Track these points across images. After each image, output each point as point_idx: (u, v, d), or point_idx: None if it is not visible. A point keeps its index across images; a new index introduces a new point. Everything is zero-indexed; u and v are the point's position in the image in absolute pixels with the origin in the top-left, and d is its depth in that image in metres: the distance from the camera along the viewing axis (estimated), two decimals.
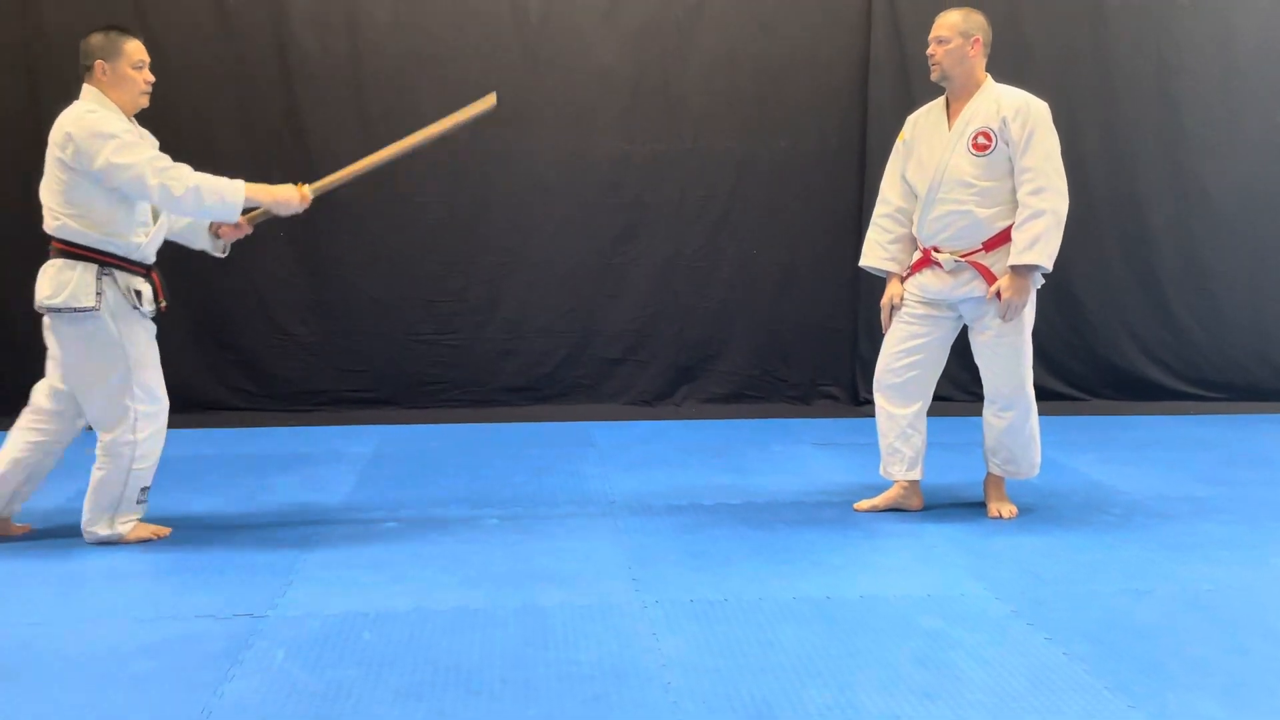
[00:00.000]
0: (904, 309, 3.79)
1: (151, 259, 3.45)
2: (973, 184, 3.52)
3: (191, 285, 5.34)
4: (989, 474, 3.88)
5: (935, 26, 3.58)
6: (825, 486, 4.23)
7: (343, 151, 5.41)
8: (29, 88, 5.14)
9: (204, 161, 5.18)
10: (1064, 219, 3.47)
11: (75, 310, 3.23)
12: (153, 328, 3.46)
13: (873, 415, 5.49)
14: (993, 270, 3.55)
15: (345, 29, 5.23)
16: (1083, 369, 5.82)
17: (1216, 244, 5.79)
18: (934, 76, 3.62)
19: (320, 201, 5.35)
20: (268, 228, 5.34)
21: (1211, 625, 2.85)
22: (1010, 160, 3.49)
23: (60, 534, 3.58)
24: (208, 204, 3.28)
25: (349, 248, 5.39)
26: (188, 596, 3.02)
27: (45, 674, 2.54)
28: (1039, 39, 5.54)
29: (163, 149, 5.19)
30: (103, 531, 3.43)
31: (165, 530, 3.55)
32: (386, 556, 3.37)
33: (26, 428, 3.46)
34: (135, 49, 3.36)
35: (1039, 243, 3.40)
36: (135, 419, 3.37)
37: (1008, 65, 5.51)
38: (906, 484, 3.83)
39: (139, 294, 3.36)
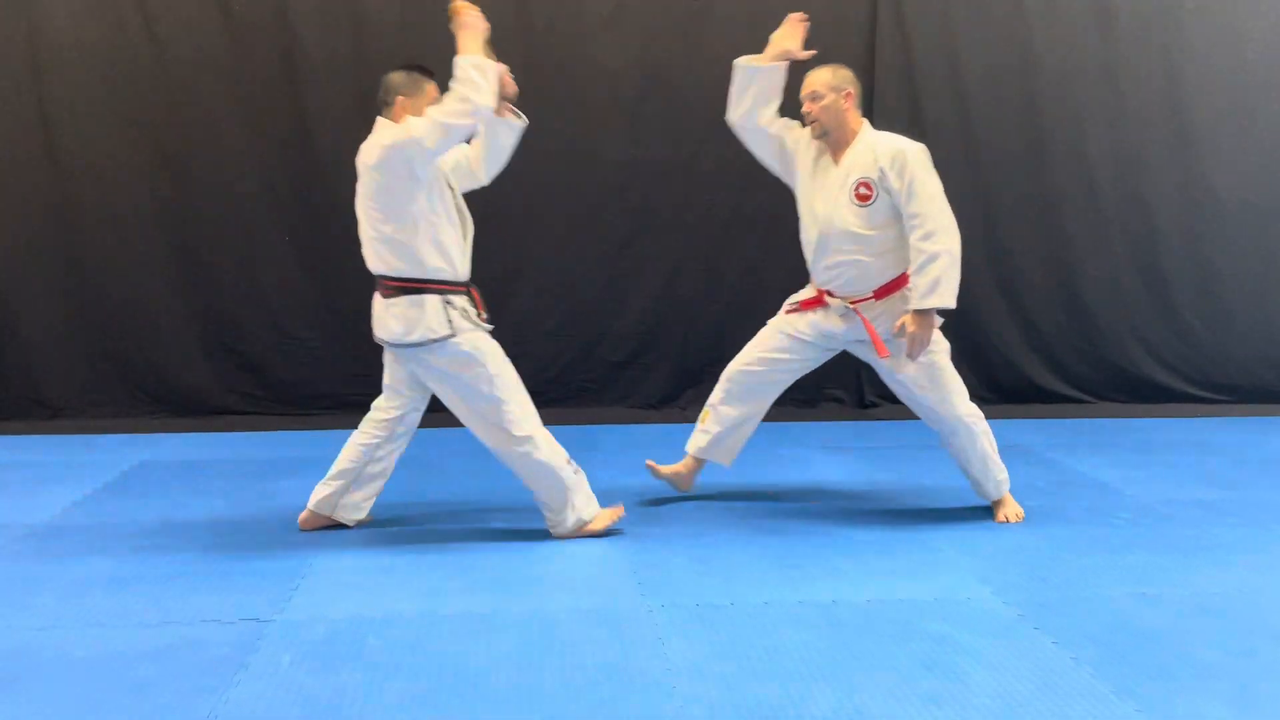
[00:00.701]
0: (789, 322, 3.84)
1: (468, 276, 3.54)
2: (859, 234, 3.59)
3: (198, 290, 5.37)
4: None
5: (806, 85, 3.65)
6: (831, 490, 4.22)
7: (348, 153, 5.43)
8: (35, 93, 5.16)
9: (209, 161, 5.26)
10: (959, 255, 3.53)
11: (433, 341, 3.36)
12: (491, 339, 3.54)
13: (880, 419, 5.54)
14: (875, 325, 3.62)
15: (351, 31, 5.24)
16: (1089, 372, 5.81)
17: (1224, 246, 5.78)
18: (814, 134, 3.68)
19: (324, 204, 5.41)
20: (275, 233, 5.40)
21: (1219, 629, 2.84)
22: (893, 208, 3.55)
23: (64, 539, 3.59)
24: (466, 86, 3.24)
25: (355, 252, 5.37)
26: (193, 601, 3.02)
27: (50, 679, 2.54)
28: (1046, 42, 5.53)
29: (168, 149, 5.26)
30: (570, 521, 3.56)
31: (620, 510, 3.69)
32: (392, 561, 3.37)
33: (360, 431, 3.67)
34: (434, 90, 3.43)
35: (940, 285, 3.47)
36: (517, 417, 3.49)
37: (1017, 70, 5.56)
38: (695, 462, 3.99)
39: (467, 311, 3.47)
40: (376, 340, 3.55)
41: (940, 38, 5.51)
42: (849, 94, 3.63)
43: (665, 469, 4.02)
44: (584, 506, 3.59)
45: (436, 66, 5.23)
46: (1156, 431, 5.32)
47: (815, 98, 3.62)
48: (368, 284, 5.77)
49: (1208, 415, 5.67)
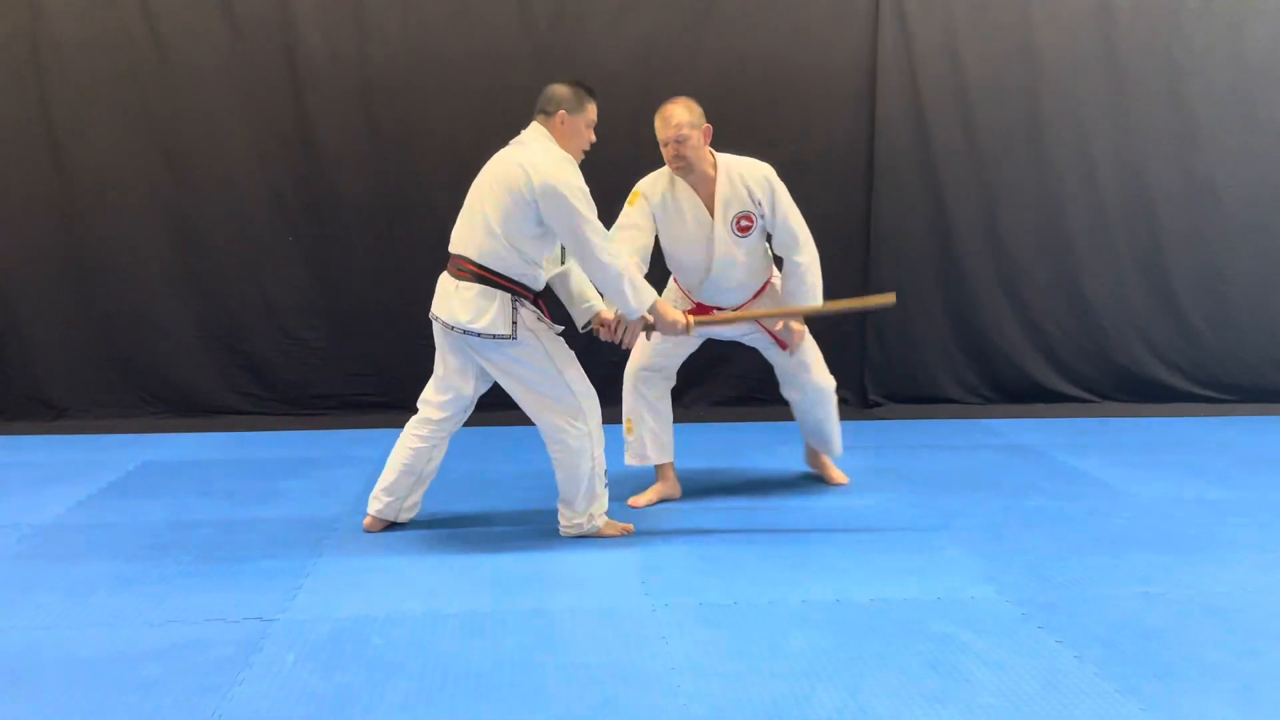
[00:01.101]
0: None
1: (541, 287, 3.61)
2: (742, 261, 3.88)
3: (200, 290, 5.38)
4: (811, 450, 4.36)
5: (669, 127, 3.71)
6: (834, 489, 4.22)
7: (351, 157, 5.45)
8: (38, 93, 5.17)
9: (212, 161, 5.27)
10: (817, 255, 3.88)
11: (494, 338, 3.40)
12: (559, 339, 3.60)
13: (883, 419, 5.54)
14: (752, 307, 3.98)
15: (354, 34, 5.24)
16: (1094, 371, 5.80)
17: (1228, 246, 5.77)
18: (678, 171, 3.79)
19: (327, 205, 5.42)
20: (278, 233, 5.41)
21: (1224, 628, 2.84)
22: (763, 229, 3.86)
23: (68, 539, 3.59)
24: (620, 289, 3.46)
25: (357, 252, 5.40)
26: (197, 600, 3.03)
27: (55, 678, 2.55)
28: (1049, 41, 5.53)
29: (171, 153, 5.27)
30: (585, 525, 3.60)
31: (630, 527, 3.71)
32: (396, 560, 3.37)
33: (411, 434, 3.67)
34: (594, 111, 3.58)
35: (816, 289, 3.88)
36: (581, 408, 3.53)
37: (1020, 71, 5.55)
38: (667, 466, 4.11)
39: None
40: (432, 318, 3.54)
41: (942, 37, 5.50)
42: (707, 128, 3.79)
43: (644, 496, 4.05)
44: (598, 515, 3.62)
45: (437, 71, 5.30)
46: (1160, 431, 5.31)
47: (681, 140, 3.71)
48: (370, 284, 5.79)
49: (1212, 415, 5.66)
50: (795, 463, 4.63)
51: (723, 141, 5.50)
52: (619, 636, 2.77)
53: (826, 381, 4.12)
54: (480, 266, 3.42)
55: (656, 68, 5.41)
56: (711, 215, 3.80)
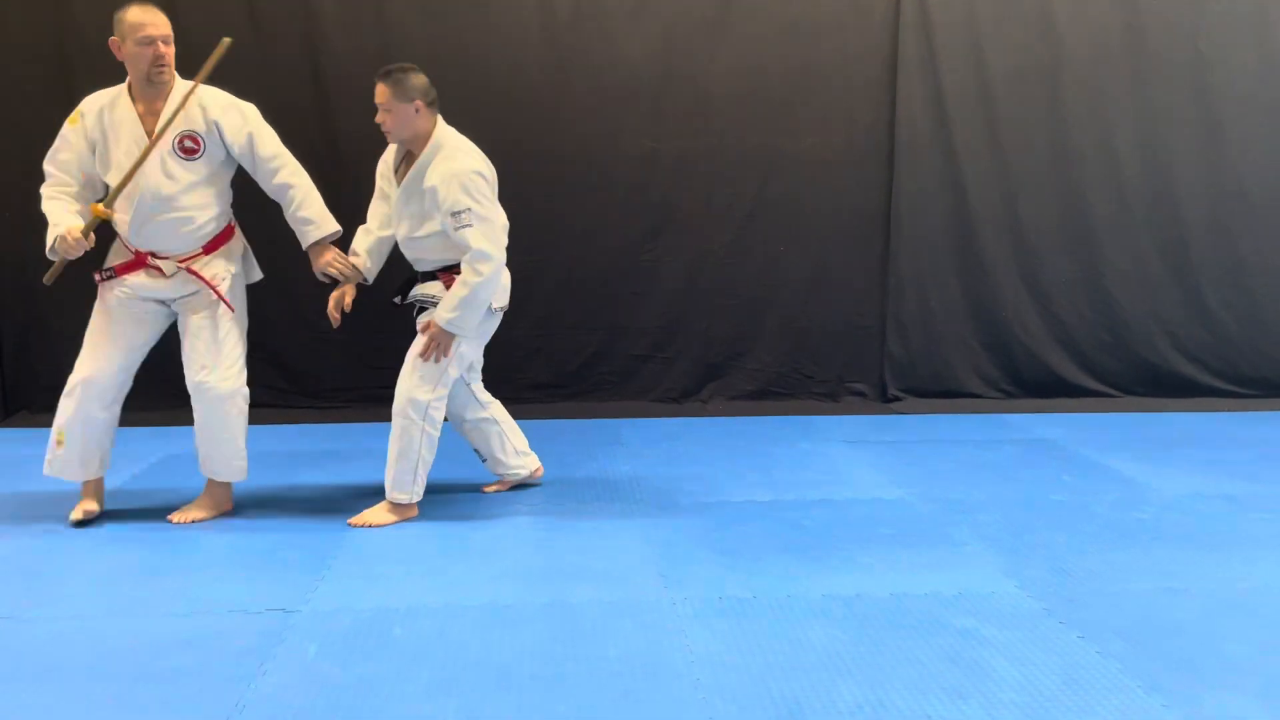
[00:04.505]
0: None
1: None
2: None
3: None
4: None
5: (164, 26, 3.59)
6: (854, 484, 4.21)
7: (371, 151, 5.46)
8: (63, 89, 5.20)
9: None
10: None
11: None
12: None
13: (904, 413, 5.52)
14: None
15: (374, 29, 5.25)
16: (1117, 366, 5.76)
17: (1253, 239, 5.71)
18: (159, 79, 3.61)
19: (348, 199, 5.43)
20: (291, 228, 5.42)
21: (1248, 624, 2.82)
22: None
23: (93, 531, 3.63)
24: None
25: None
26: (220, 592, 3.05)
27: (81, 668, 2.58)
28: (1071, 32, 5.48)
29: None
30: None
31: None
32: (417, 552, 3.39)
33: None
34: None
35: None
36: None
37: (1042, 61, 5.51)
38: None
39: None
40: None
41: (964, 28, 5.46)
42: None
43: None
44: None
45: (457, 64, 5.30)
46: (1183, 426, 5.27)
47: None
48: (393, 277, 5.80)
49: (1235, 409, 5.61)
50: (814, 457, 4.63)
51: (744, 133, 5.53)
52: (639, 629, 2.78)
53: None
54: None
55: (676, 61, 5.40)
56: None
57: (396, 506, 3.73)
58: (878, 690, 2.44)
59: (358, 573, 3.20)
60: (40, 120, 5.21)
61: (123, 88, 3.59)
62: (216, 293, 3.70)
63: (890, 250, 5.60)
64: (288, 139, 5.46)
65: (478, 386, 4.02)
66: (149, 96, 3.58)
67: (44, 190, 3.57)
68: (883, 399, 5.69)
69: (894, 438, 4.99)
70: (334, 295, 3.89)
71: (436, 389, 3.68)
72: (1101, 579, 3.15)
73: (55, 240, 3.45)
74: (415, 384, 3.67)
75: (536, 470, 4.12)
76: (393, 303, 3.93)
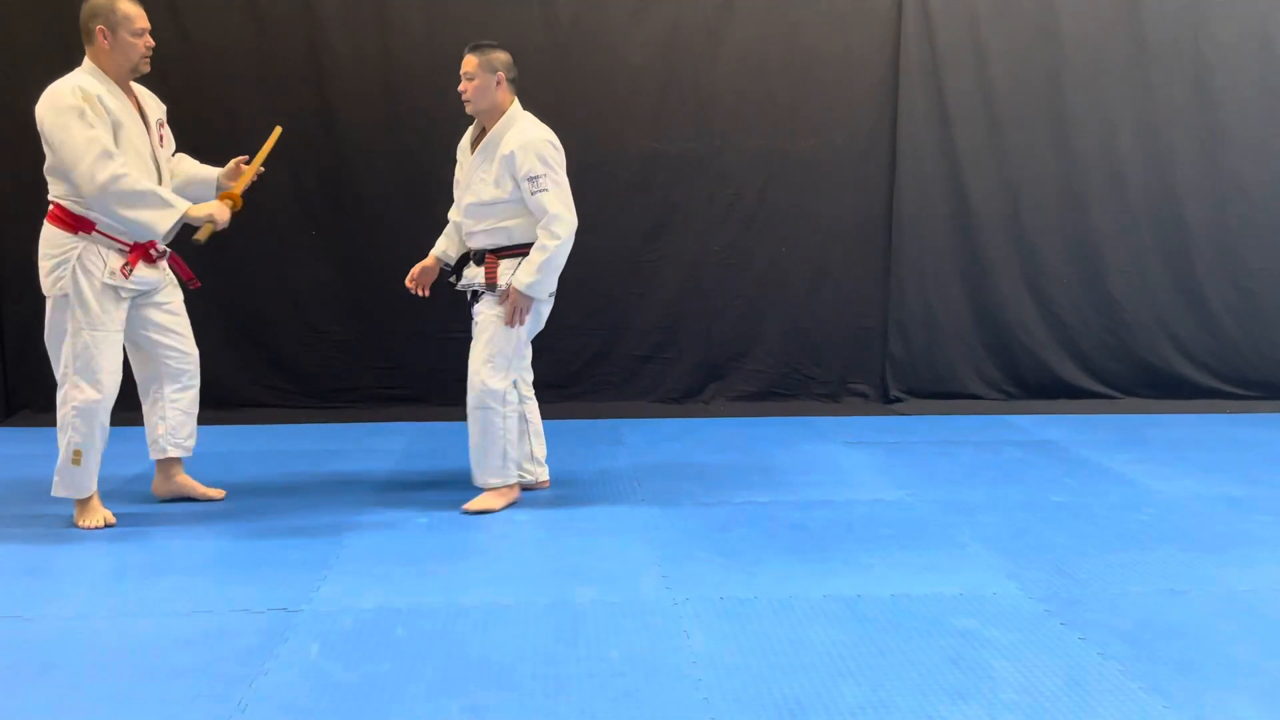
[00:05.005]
0: None
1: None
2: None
3: (225, 284, 5.41)
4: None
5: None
6: (855, 485, 4.21)
7: (373, 150, 5.48)
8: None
9: (234, 153, 5.24)
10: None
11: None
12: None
13: (905, 414, 5.52)
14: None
15: (376, 29, 5.26)
16: (1118, 367, 5.76)
17: (1254, 241, 5.71)
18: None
19: (350, 200, 5.44)
20: (301, 226, 5.44)
21: (1249, 626, 2.82)
22: None
23: (96, 529, 3.63)
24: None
25: (380, 246, 5.42)
26: (223, 591, 3.06)
27: (84, 666, 2.58)
28: (1073, 34, 5.48)
29: (194, 141, 5.25)
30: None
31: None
32: (419, 552, 3.39)
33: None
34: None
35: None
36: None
37: (1044, 63, 5.51)
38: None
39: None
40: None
41: (966, 29, 5.47)
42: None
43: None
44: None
45: (458, 61, 5.26)
46: (1185, 427, 5.27)
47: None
48: (393, 278, 5.80)
49: (1237, 411, 5.62)
50: (815, 458, 4.63)
51: (745, 133, 5.54)
52: (640, 629, 2.78)
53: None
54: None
55: (678, 60, 5.41)
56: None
57: (498, 492, 3.85)
58: (879, 691, 2.44)
59: (360, 572, 3.21)
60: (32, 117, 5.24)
61: (95, 75, 3.58)
62: (187, 271, 3.93)
63: (892, 251, 5.60)
64: (289, 137, 5.51)
65: (524, 378, 4.06)
66: (126, 83, 3.69)
67: (122, 169, 3.49)
68: (884, 400, 5.69)
69: (895, 439, 4.99)
70: (416, 269, 4.06)
71: (509, 374, 3.82)
72: (1103, 580, 3.15)
73: (205, 217, 3.65)
74: (488, 374, 3.78)
75: (543, 483, 4.14)
76: (449, 282, 4.04)
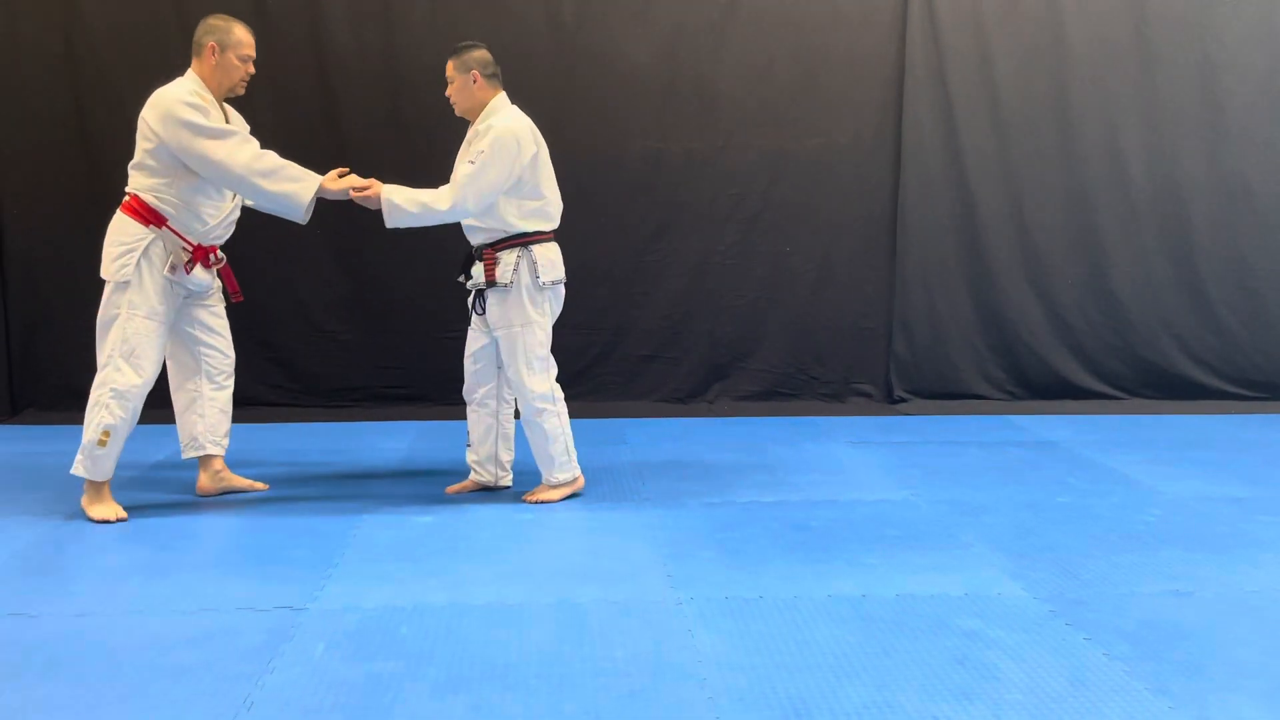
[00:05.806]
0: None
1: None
2: None
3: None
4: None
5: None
6: (859, 485, 4.21)
7: (377, 148, 5.48)
8: (69, 81, 5.22)
9: None
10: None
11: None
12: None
13: (909, 415, 5.52)
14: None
15: (382, 28, 5.27)
16: (1122, 368, 5.76)
17: (1259, 242, 5.71)
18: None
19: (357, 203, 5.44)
20: (303, 228, 5.43)
21: (1254, 627, 2.82)
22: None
23: (100, 527, 3.64)
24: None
25: (385, 247, 5.41)
26: (228, 589, 3.06)
27: (89, 665, 2.59)
28: (1078, 34, 5.49)
29: None
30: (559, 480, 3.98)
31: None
32: (423, 551, 3.40)
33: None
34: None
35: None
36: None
37: (1049, 63, 5.51)
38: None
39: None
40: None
41: (971, 29, 5.47)
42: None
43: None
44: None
45: None
46: (1189, 428, 5.27)
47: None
48: (398, 277, 5.82)
49: (1242, 412, 5.61)
50: (820, 458, 4.63)
51: (749, 133, 5.54)
52: (645, 629, 2.78)
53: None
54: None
55: (683, 60, 5.41)
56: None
57: (563, 484, 3.98)
58: (884, 691, 2.44)
59: (365, 571, 3.21)
60: (48, 121, 5.26)
61: (199, 85, 3.81)
62: (234, 284, 4.03)
63: (896, 251, 5.60)
64: (293, 135, 5.51)
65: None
66: (220, 100, 3.91)
67: (256, 149, 3.71)
68: (888, 400, 5.69)
69: (900, 439, 4.99)
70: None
71: (549, 372, 3.91)
72: (1108, 581, 3.14)
73: (339, 192, 3.83)
74: (534, 382, 3.86)
75: (504, 486, 4.13)
76: (457, 281, 4.08)
